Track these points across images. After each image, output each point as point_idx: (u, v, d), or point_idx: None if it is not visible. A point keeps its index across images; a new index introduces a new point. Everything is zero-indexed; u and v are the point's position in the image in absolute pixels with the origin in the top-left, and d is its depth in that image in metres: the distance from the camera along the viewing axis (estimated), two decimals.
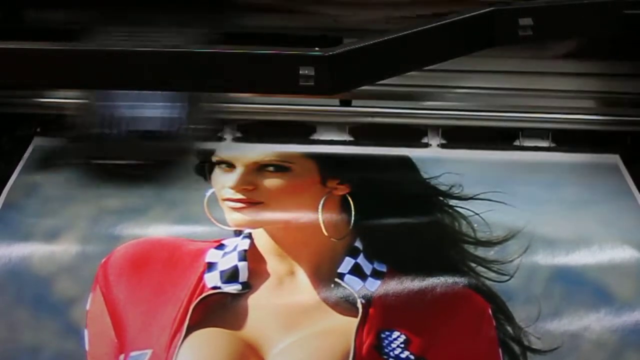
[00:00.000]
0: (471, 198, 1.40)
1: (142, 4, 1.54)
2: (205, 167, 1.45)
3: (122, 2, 1.55)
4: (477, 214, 1.38)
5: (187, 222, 1.38)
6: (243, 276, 1.33)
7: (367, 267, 1.33)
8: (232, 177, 1.42)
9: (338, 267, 1.33)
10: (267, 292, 1.32)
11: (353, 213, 1.38)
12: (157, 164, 1.46)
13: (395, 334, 1.28)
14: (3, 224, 1.37)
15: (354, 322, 1.29)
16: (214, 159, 1.46)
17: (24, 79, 1.35)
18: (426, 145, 1.53)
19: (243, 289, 1.32)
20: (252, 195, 1.40)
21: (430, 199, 1.41)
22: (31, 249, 1.34)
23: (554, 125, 1.55)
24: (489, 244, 1.35)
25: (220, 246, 1.35)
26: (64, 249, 1.34)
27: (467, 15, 1.34)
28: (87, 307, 1.31)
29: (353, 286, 1.32)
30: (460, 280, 1.32)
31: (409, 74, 1.40)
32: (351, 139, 1.54)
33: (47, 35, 1.50)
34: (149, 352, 1.28)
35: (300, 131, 1.53)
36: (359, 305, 1.30)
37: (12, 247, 1.34)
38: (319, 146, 1.51)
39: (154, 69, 1.30)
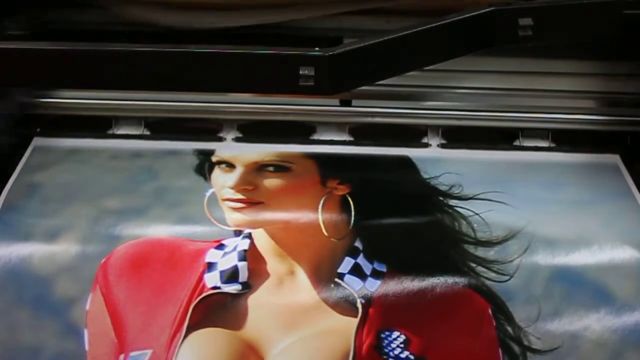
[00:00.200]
0: (471, 198, 1.40)
1: None
2: (205, 167, 1.45)
3: None
4: (477, 214, 1.38)
5: (187, 222, 1.38)
6: (243, 276, 1.33)
7: (367, 267, 1.33)
8: (232, 177, 1.42)
9: (338, 267, 1.33)
10: (267, 292, 1.32)
11: (353, 213, 1.38)
12: (157, 164, 1.47)
13: (395, 334, 1.28)
14: (3, 224, 1.37)
15: (354, 322, 1.29)
16: (214, 159, 1.46)
17: (25, 79, 1.35)
18: (426, 145, 1.53)
19: (243, 289, 1.32)
20: (252, 195, 1.40)
21: (430, 199, 1.41)
22: (31, 249, 1.34)
23: (554, 125, 1.55)
24: (489, 244, 1.35)
25: (220, 246, 1.35)
26: (63, 249, 1.34)
27: (467, 15, 1.34)
28: (87, 307, 1.31)
29: (353, 286, 1.32)
30: (460, 280, 1.32)
31: (409, 74, 1.40)
32: (351, 139, 1.54)
33: None
34: (149, 352, 1.28)
35: (300, 131, 1.53)
36: (359, 305, 1.30)
37: (12, 247, 1.34)
38: (319, 146, 1.51)
39: (154, 69, 1.30)
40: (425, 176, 1.45)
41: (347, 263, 1.34)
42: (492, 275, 1.32)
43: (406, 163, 1.48)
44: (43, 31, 1.57)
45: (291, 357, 1.28)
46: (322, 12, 1.54)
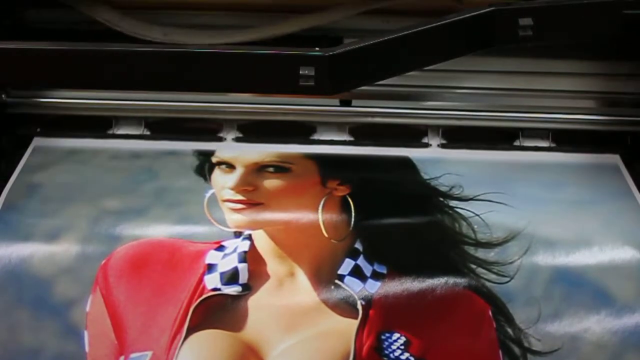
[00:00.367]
0: (471, 199, 1.40)
1: None
2: (205, 168, 1.45)
3: None
4: (477, 215, 1.38)
5: (187, 223, 1.38)
6: (243, 278, 1.33)
7: (367, 269, 1.33)
8: (232, 178, 1.42)
9: (338, 269, 1.33)
10: (267, 294, 1.32)
11: (353, 214, 1.38)
12: (157, 164, 1.47)
13: (396, 335, 1.28)
14: (3, 224, 1.37)
15: (354, 323, 1.29)
16: (214, 159, 1.46)
17: (24, 79, 1.35)
18: (426, 145, 1.53)
19: (243, 290, 1.32)
20: (252, 196, 1.40)
21: (430, 200, 1.41)
22: (31, 250, 1.34)
23: (554, 125, 1.55)
24: (489, 245, 1.35)
25: (220, 247, 1.35)
26: (64, 250, 1.34)
27: (467, 15, 1.34)
28: (87, 308, 1.31)
29: (353, 288, 1.32)
30: (461, 282, 1.32)
31: (409, 74, 1.40)
32: (351, 139, 1.54)
33: None
34: (149, 353, 1.28)
35: (301, 131, 1.53)
36: (359, 307, 1.30)
37: (12, 247, 1.34)
38: (319, 146, 1.51)
39: (154, 69, 1.30)
40: (426, 177, 1.45)
41: (347, 264, 1.34)
42: (493, 276, 1.32)
43: (406, 163, 1.48)
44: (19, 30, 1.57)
45: (291, 358, 1.28)
46: (318, 23, 1.54)
